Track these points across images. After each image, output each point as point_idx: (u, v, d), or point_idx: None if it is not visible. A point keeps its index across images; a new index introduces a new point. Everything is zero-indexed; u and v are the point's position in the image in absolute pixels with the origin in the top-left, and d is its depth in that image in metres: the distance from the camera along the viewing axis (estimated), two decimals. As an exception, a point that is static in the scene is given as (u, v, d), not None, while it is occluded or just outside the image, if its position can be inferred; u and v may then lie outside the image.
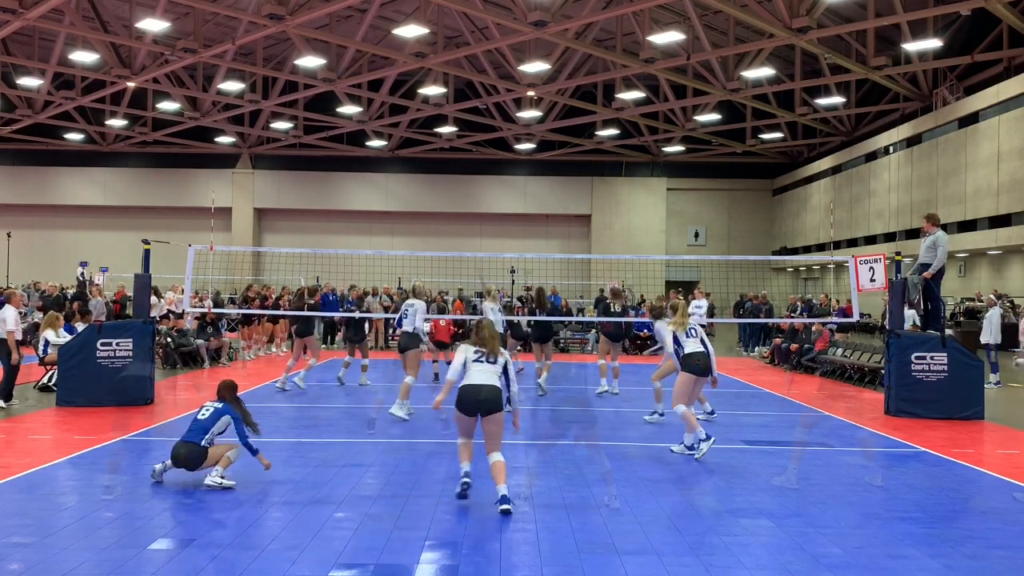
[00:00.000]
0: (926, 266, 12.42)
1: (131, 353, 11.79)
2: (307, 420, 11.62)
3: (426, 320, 12.46)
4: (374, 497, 7.15)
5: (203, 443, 7.29)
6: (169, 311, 19.52)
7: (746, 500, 7.23)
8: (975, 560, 5.73)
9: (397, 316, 11.92)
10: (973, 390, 11.87)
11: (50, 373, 13.52)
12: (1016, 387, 16.75)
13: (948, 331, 13.48)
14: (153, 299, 19.78)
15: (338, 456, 8.81)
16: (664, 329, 9.85)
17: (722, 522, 6.53)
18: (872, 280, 12.58)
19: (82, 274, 30.17)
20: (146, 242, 12.84)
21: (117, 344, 11.78)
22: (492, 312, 12.61)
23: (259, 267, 38.68)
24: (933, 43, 25.31)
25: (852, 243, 36.03)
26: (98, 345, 11.73)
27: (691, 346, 9.34)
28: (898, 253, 13.56)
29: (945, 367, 11.86)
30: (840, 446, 9.99)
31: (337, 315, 18.81)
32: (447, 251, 31.65)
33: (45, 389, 13.31)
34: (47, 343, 13.78)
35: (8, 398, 11.75)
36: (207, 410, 7.47)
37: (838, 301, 24.96)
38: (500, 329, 11.49)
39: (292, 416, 11.87)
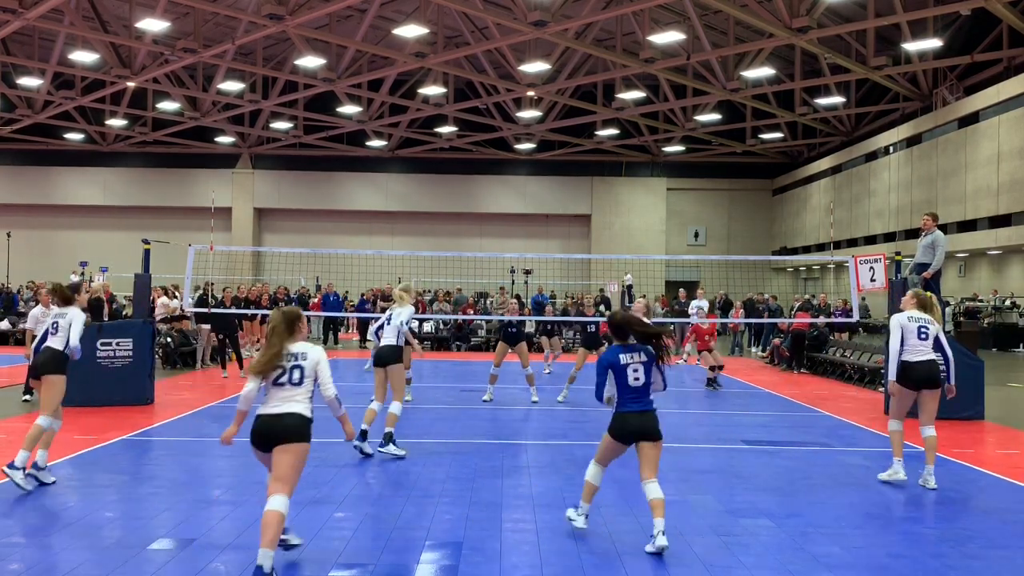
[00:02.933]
0: (923, 266, 12.38)
1: (131, 353, 11.79)
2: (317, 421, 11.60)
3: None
4: (374, 497, 7.14)
5: None
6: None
7: (746, 500, 7.23)
8: (975, 560, 5.72)
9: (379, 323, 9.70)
10: (973, 390, 11.86)
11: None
12: (1016, 387, 16.76)
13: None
14: (164, 299, 19.86)
15: (338, 456, 8.80)
16: None
17: (722, 522, 6.53)
18: (872, 280, 12.58)
19: (80, 275, 30.15)
20: (146, 242, 12.85)
21: (117, 344, 11.79)
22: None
23: (259, 267, 38.70)
24: (933, 43, 25.31)
25: (852, 243, 36.03)
26: (98, 345, 11.72)
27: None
28: (898, 253, 13.55)
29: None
30: (840, 446, 9.99)
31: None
32: (447, 251, 31.61)
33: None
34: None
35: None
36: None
37: (845, 301, 24.87)
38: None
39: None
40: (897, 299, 12.55)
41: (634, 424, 5.89)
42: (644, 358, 5.99)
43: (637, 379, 5.93)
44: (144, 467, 8.37)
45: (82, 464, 8.28)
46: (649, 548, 5.70)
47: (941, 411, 11.62)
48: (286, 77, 30.71)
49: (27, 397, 12.34)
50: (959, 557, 5.77)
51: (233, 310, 16.76)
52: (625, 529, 6.29)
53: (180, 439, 9.65)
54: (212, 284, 22.55)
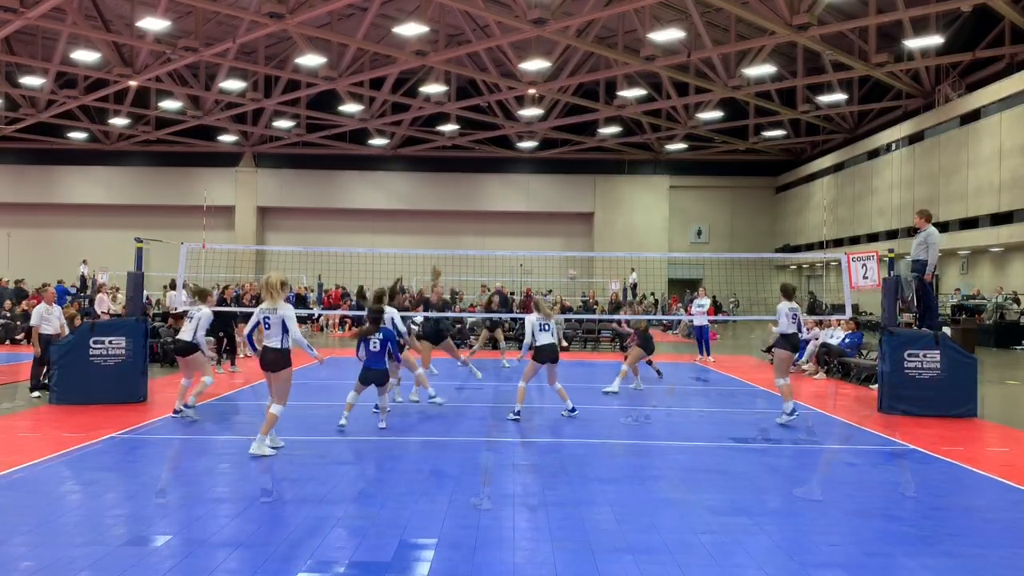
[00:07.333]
0: (918, 262, 12.33)
1: (124, 351, 11.83)
2: (303, 418, 11.63)
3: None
4: (371, 496, 7.14)
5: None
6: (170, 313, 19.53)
7: (729, 499, 7.21)
8: (950, 558, 5.71)
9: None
10: (966, 388, 11.82)
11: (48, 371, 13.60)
12: (1014, 384, 16.70)
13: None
14: (172, 293, 20.17)
15: (335, 454, 8.81)
16: None
17: (709, 521, 6.52)
18: (865, 277, 12.55)
19: (84, 273, 30.30)
20: (139, 240, 12.89)
21: (110, 342, 11.82)
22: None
23: (262, 265, 38.77)
24: (935, 40, 25.23)
25: (854, 240, 35.93)
26: (90, 343, 11.76)
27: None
28: (891, 251, 13.51)
29: (938, 365, 11.82)
30: (830, 443, 9.98)
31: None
32: (450, 249, 31.64)
33: (43, 387, 13.38)
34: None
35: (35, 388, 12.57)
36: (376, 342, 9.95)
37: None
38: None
39: (288, 414, 11.87)
40: (891, 297, 12.58)
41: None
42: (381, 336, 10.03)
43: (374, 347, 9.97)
44: (131, 465, 8.41)
45: (71, 462, 8.31)
46: None
47: (933, 409, 11.68)
48: (288, 76, 30.78)
49: (36, 394, 12.43)
50: (935, 555, 5.76)
51: (233, 308, 16.86)
52: (625, 529, 6.28)
53: (171, 437, 9.68)
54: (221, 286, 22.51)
